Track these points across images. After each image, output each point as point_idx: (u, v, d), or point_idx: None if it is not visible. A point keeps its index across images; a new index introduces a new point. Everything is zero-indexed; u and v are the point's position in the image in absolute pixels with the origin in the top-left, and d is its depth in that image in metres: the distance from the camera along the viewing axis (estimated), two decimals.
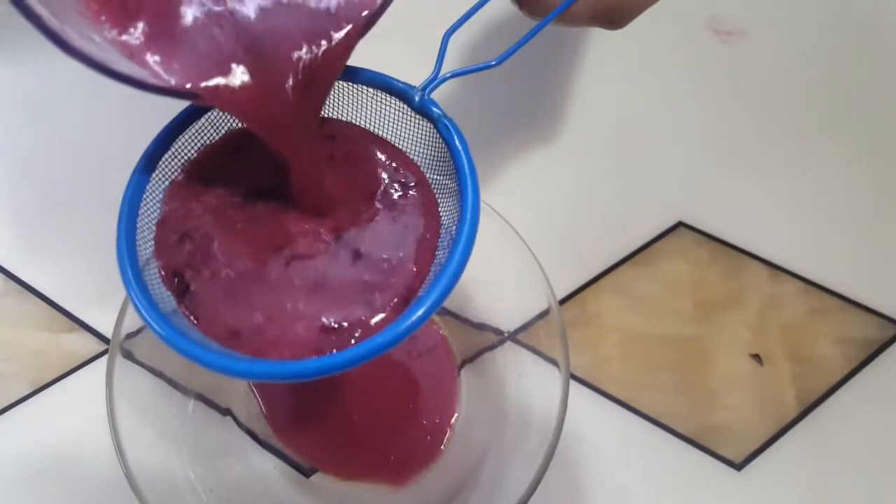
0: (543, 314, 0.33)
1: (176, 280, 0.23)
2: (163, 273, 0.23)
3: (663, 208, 0.42)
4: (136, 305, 0.22)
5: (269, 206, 0.25)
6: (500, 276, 0.34)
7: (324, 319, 0.22)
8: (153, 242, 0.24)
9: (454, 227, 0.23)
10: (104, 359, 0.37)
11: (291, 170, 0.24)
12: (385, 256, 0.24)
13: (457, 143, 0.24)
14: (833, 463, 0.35)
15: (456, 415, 0.36)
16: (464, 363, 0.37)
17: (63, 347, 0.37)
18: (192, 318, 0.23)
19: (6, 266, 0.39)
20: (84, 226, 0.40)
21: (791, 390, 0.37)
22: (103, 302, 0.37)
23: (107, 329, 0.38)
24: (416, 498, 0.34)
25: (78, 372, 0.37)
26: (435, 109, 0.24)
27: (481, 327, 0.37)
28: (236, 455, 0.35)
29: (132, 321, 0.33)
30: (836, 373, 0.37)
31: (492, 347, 0.36)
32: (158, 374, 0.35)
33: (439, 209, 0.25)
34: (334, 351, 0.22)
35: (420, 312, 0.21)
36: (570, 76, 0.46)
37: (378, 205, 0.25)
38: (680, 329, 0.38)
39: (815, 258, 0.40)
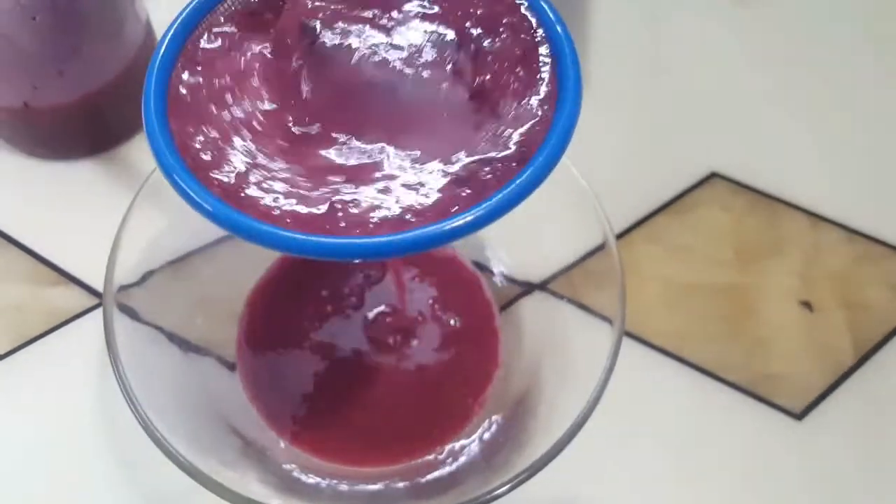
0: (598, 249, 0.31)
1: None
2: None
3: (695, 159, 0.39)
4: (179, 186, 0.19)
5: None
6: (547, 210, 0.31)
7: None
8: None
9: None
10: (92, 314, 0.33)
11: None
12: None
13: None
14: None
15: (497, 371, 0.32)
16: (500, 311, 0.33)
17: (48, 302, 0.33)
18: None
19: None
20: (69, 173, 0.37)
21: (846, 338, 0.34)
22: (91, 255, 0.33)
23: (96, 282, 0.34)
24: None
25: (64, 327, 0.33)
26: None
27: (519, 273, 0.34)
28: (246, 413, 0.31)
29: (123, 273, 0.30)
30: (892, 320, 0.35)
31: (535, 290, 0.33)
32: (157, 328, 0.31)
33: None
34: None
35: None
36: (595, 20, 0.44)
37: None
38: (723, 278, 0.36)
39: (855, 206, 0.38)
